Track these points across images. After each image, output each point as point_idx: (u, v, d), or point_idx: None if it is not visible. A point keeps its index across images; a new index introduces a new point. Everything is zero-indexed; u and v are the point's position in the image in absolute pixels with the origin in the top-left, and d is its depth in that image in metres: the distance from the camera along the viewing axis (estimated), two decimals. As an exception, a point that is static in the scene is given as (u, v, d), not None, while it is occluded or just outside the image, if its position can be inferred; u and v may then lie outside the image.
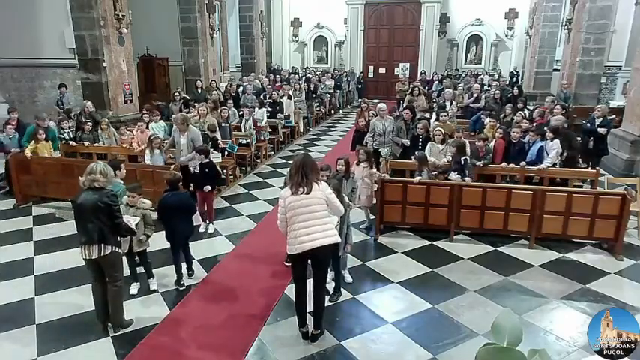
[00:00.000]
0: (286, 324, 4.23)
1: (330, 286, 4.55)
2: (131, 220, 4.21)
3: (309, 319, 3.99)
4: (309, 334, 3.97)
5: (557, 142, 6.52)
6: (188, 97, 11.05)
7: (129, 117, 10.20)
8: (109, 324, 4.13)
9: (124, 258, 4.41)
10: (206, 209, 6.31)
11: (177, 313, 4.41)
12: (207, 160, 6.18)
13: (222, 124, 8.79)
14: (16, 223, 6.63)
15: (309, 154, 6.13)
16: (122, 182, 5.01)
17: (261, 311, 4.40)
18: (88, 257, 3.90)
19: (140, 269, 4.80)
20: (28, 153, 7.21)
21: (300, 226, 3.66)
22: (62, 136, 8.11)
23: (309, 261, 3.83)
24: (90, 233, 3.81)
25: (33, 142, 7.34)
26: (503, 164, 6.69)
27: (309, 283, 3.94)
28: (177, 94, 10.79)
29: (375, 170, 6.08)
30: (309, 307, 3.97)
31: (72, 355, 3.81)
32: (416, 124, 7.54)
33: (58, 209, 7.08)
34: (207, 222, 6.34)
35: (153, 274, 4.84)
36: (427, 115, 8.85)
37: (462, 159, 6.26)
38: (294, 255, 3.76)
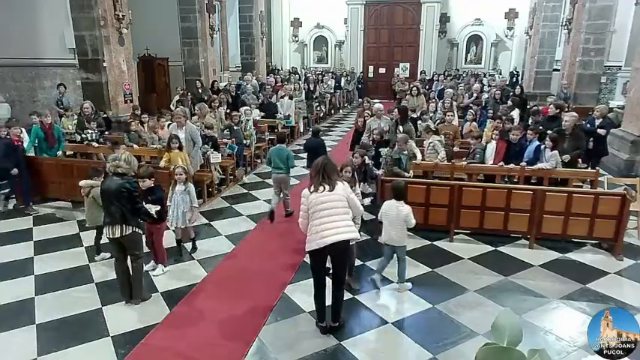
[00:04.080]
0: (286, 324, 4.23)
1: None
2: (152, 207, 4.59)
3: (327, 314, 4.06)
4: (328, 328, 4.04)
5: (556, 152, 6.47)
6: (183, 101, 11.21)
7: (129, 117, 10.19)
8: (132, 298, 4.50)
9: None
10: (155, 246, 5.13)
11: (177, 313, 4.41)
12: (151, 184, 4.87)
13: (235, 127, 8.79)
14: (16, 223, 6.63)
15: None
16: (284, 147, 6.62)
17: (261, 311, 4.40)
18: (111, 236, 4.33)
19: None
20: (162, 164, 6.74)
21: (322, 221, 3.76)
22: (85, 136, 8.16)
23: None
24: (113, 215, 4.26)
25: (166, 152, 6.82)
26: (501, 164, 6.68)
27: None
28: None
29: (358, 190, 5.01)
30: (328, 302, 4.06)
31: (72, 355, 3.81)
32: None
33: (58, 209, 7.08)
34: (157, 263, 5.17)
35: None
36: (414, 116, 8.86)
37: (365, 167, 5.97)
38: (314, 250, 3.81)
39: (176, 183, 5.35)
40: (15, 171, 6.64)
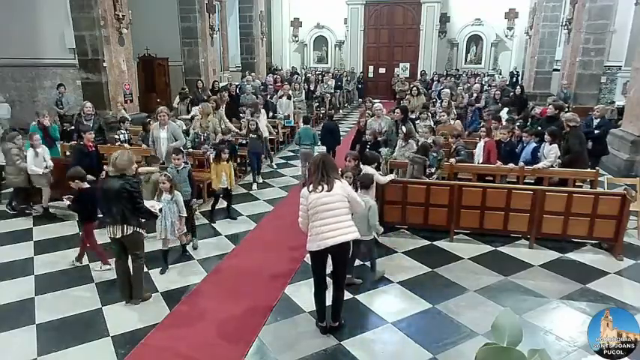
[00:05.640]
0: (286, 324, 4.23)
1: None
2: (155, 204, 4.66)
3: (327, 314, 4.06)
4: (328, 328, 4.03)
5: (555, 146, 6.48)
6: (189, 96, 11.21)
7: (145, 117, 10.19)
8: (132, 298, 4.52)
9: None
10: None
11: (177, 312, 4.41)
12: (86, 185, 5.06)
13: (251, 135, 8.53)
14: (16, 223, 6.63)
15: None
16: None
17: (261, 311, 4.40)
18: (112, 236, 4.36)
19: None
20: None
21: (324, 222, 3.72)
22: (118, 137, 8.12)
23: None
24: (114, 215, 4.29)
25: (214, 163, 6.60)
26: (499, 163, 6.67)
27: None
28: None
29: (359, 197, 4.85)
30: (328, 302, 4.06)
31: (72, 355, 3.81)
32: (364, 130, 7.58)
33: (58, 209, 7.07)
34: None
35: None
36: (412, 116, 8.86)
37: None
38: (315, 250, 3.80)
39: (162, 192, 5.08)
40: (90, 178, 6.51)
